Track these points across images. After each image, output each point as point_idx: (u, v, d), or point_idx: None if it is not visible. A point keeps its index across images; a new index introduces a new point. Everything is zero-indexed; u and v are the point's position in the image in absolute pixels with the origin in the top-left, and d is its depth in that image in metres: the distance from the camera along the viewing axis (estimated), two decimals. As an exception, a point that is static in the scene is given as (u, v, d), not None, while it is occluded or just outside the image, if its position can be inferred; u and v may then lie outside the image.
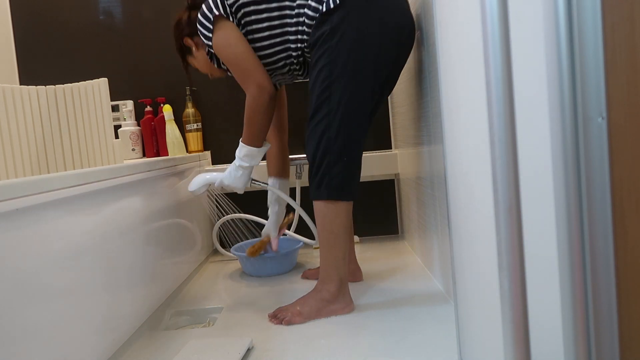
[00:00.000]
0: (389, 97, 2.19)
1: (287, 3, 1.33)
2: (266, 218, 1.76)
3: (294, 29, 1.35)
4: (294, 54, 1.39)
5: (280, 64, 1.42)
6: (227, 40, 1.35)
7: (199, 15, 1.37)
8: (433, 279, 1.53)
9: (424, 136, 1.51)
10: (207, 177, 1.52)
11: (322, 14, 1.27)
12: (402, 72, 1.78)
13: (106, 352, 1.07)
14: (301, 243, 1.86)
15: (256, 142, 1.42)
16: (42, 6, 2.18)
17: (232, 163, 1.47)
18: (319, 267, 1.50)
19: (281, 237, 1.78)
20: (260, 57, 1.38)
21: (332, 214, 1.29)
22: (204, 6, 1.37)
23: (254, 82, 1.34)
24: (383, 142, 2.21)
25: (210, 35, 1.35)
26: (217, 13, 1.33)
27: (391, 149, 2.20)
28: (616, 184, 0.48)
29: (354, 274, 1.56)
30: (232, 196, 1.97)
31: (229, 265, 1.96)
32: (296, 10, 1.33)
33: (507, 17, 0.47)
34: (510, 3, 0.55)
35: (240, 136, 1.47)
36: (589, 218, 0.50)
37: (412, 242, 1.94)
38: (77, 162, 1.62)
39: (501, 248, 0.49)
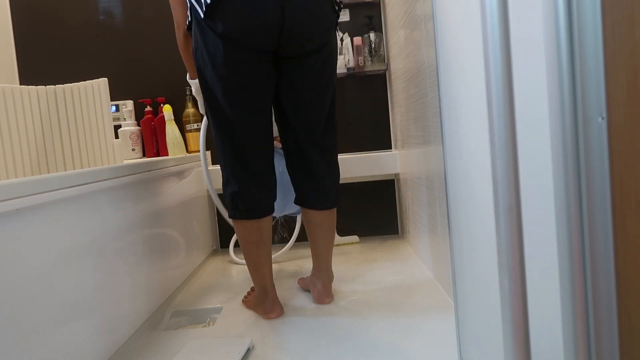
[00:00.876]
0: (388, 97, 2.19)
1: None
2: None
3: None
4: None
5: None
6: None
7: None
8: (433, 278, 1.53)
9: (424, 136, 1.51)
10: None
11: None
12: (402, 72, 1.79)
13: (106, 352, 1.07)
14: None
15: (190, 73, 1.41)
16: (42, 6, 2.18)
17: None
18: (308, 277, 1.51)
19: None
20: None
21: (240, 229, 1.34)
22: None
23: (174, 16, 1.34)
24: (383, 142, 2.21)
25: None
26: None
27: (391, 149, 2.20)
28: (616, 184, 0.48)
29: (319, 295, 1.43)
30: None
31: (229, 265, 1.96)
32: None
33: (507, 17, 0.47)
34: (510, 3, 0.55)
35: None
36: (589, 218, 0.50)
37: (412, 242, 1.94)
38: (77, 162, 1.62)
39: (501, 248, 0.49)
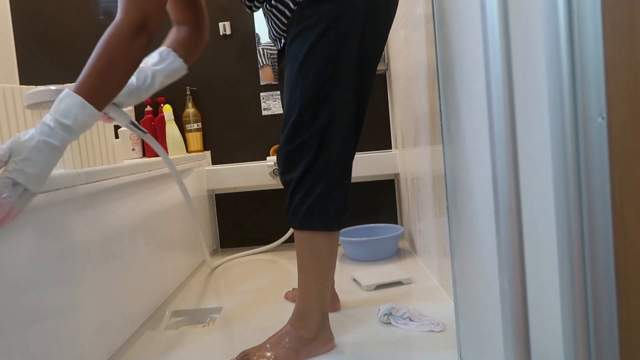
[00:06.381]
0: (388, 97, 2.19)
1: None
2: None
3: None
4: None
5: None
6: None
7: None
8: (433, 278, 1.53)
9: (424, 136, 1.51)
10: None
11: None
12: (402, 72, 1.79)
13: (106, 352, 1.07)
14: (401, 230, 1.91)
15: (102, 100, 0.85)
16: (42, 6, 2.18)
17: (41, 127, 0.79)
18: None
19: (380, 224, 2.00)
20: None
21: (328, 242, 1.07)
22: None
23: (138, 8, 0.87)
24: (383, 142, 2.21)
25: None
26: None
27: (391, 149, 2.20)
28: (616, 184, 0.48)
29: (333, 303, 1.32)
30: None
31: (229, 265, 1.96)
32: None
33: (507, 17, 0.47)
34: (510, 3, 0.55)
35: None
36: (589, 218, 0.50)
37: (411, 242, 1.94)
38: (77, 162, 1.62)
39: (501, 248, 0.49)
